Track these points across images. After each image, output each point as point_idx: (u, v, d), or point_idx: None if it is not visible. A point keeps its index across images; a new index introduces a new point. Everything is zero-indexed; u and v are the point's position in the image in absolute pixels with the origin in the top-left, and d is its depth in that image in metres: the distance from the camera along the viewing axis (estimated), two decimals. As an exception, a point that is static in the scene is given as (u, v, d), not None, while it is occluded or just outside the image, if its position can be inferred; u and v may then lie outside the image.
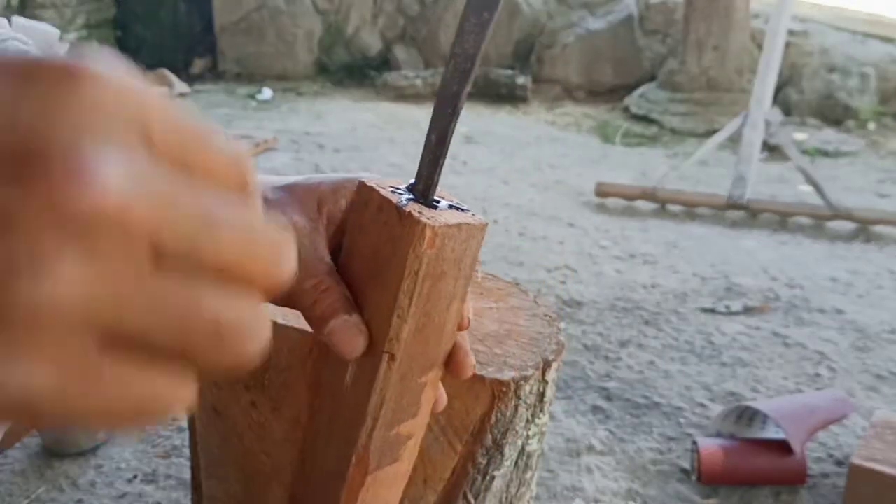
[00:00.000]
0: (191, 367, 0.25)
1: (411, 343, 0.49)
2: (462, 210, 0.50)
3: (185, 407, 0.25)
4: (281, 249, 0.26)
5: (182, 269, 0.24)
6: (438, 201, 0.49)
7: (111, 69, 0.24)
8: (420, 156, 0.49)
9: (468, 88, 0.45)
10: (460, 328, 0.52)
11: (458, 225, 0.48)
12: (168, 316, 0.23)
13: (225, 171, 0.25)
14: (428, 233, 0.46)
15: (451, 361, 0.53)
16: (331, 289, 0.48)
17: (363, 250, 0.49)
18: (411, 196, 0.48)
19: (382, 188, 0.48)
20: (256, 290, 0.25)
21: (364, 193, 0.49)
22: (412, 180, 0.50)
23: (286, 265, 0.26)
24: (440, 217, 0.47)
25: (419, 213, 0.47)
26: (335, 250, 0.52)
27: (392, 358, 0.48)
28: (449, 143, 0.47)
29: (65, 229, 0.22)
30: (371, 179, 0.50)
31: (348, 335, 0.48)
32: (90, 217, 0.22)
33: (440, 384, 0.55)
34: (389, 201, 0.47)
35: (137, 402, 0.24)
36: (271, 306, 0.95)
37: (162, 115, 0.24)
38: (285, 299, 0.50)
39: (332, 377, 0.52)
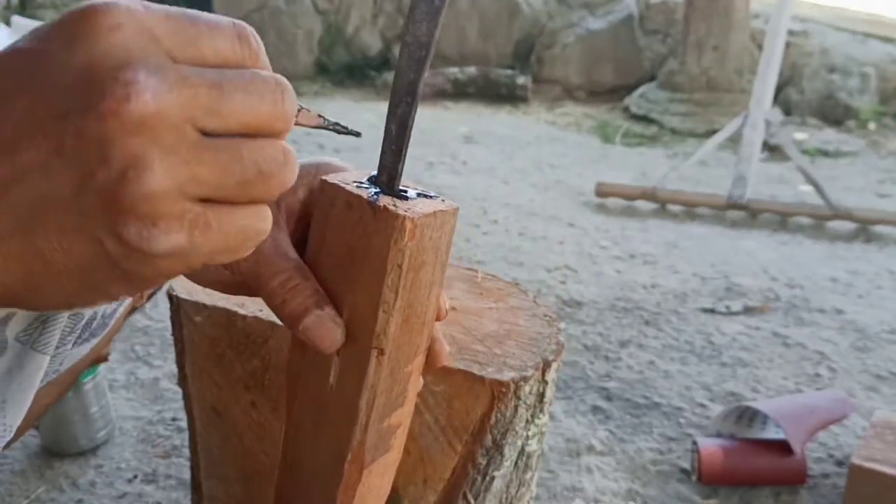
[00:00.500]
0: (260, 202, 0.35)
1: (398, 335, 0.49)
2: (431, 197, 0.49)
3: (269, 230, 0.36)
4: (280, 93, 0.35)
5: (220, 133, 0.33)
6: (405, 191, 0.49)
7: (119, 2, 0.32)
8: (381, 147, 0.48)
9: (425, 75, 0.45)
10: (438, 318, 0.52)
11: (434, 213, 0.48)
12: (224, 168, 0.33)
13: (229, 47, 0.34)
14: (408, 225, 0.46)
15: (428, 351, 0.54)
16: (299, 285, 0.48)
17: (333, 247, 0.48)
18: (377, 189, 0.48)
19: (347, 184, 0.48)
20: (273, 132, 0.35)
21: (329, 192, 0.48)
22: (373, 172, 0.50)
23: (288, 104, 0.35)
24: (415, 207, 0.47)
25: (394, 206, 0.46)
26: (298, 242, 0.52)
27: (381, 353, 0.48)
28: (410, 131, 0.47)
29: (137, 132, 0.30)
30: (330, 175, 0.50)
31: (324, 329, 0.48)
32: (148, 118, 0.30)
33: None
34: (359, 197, 0.47)
35: (240, 234, 0.34)
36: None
37: (171, 26, 0.32)
38: (257, 295, 0.50)
39: (314, 376, 0.52)
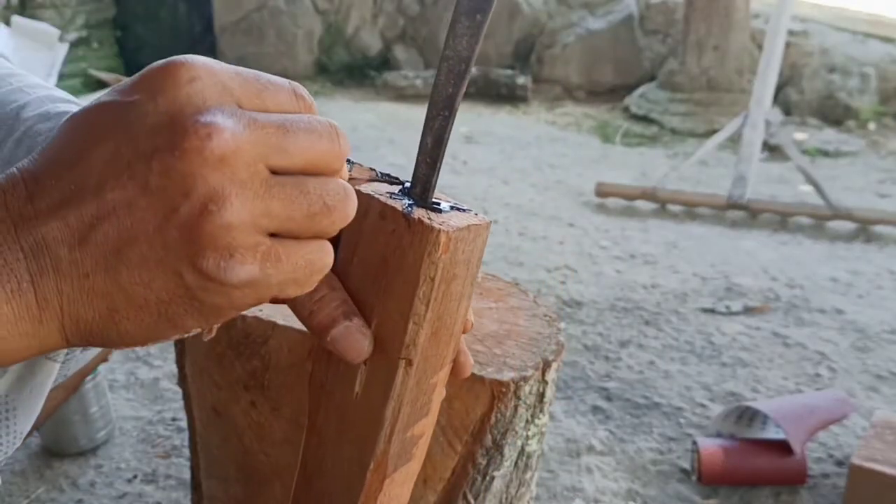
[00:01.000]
0: (322, 236, 0.38)
1: (426, 347, 0.49)
2: (463, 210, 0.49)
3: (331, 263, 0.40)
4: (335, 133, 0.38)
5: (287, 171, 0.36)
6: (439, 203, 0.49)
7: (199, 58, 0.36)
8: (416, 158, 0.48)
9: (463, 90, 0.45)
10: (464, 330, 0.53)
11: (468, 227, 0.48)
12: (293, 202, 0.36)
13: (287, 100, 0.38)
14: (443, 238, 0.46)
15: (454, 363, 0.54)
16: (327, 296, 0.48)
17: (365, 258, 0.48)
18: (411, 201, 0.48)
19: (380, 195, 0.48)
20: (332, 170, 0.38)
21: (362, 202, 0.48)
22: (407, 182, 0.50)
23: (343, 143, 0.39)
24: (450, 221, 0.47)
25: (429, 219, 0.46)
26: None
27: (409, 364, 0.48)
28: (446, 145, 0.47)
29: (217, 168, 0.33)
30: (362, 185, 0.50)
31: (352, 340, 0.47)
32: (227, 155, 0.33)
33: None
34: (394, 208, 0.47)
35: (307, 267, 0.38)
36: (270, 307, 0.95)
37: (240, 80, 0.37)
38: (284, 303, 0.50)
39: (339, 384, 0.52)
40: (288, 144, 0.36)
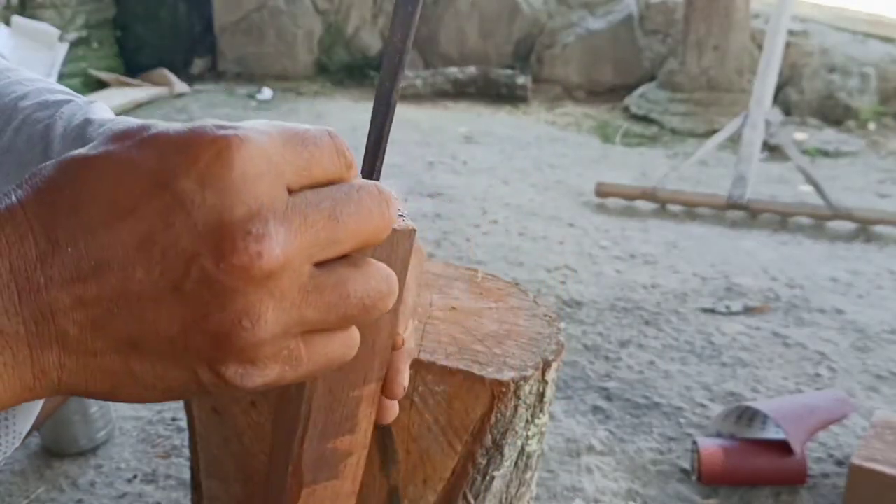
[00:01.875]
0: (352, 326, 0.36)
1: None
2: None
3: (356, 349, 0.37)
4: (385, 203, 0.35)
5: (330, 259, 0.33)
6: None
7: (251, 132, 0.32)
8: (364, 154, 0.47)
9: (399, 82, 0.44)
10: (394, 347, 0.50)
11: None
12: (330, 308, 0.33)
13: (332, 164, 0.34)
14: None
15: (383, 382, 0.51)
16: None
17: None
18: None
19: None
20: (379, 241, 0.36)
21: None
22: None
23: (392, 211, 0.36)
24: None
25: None
26: None
27: None
28: (386, 142, 0.46)
29: (261, 284, 0.31)
30: None
31: None
32: (273, 273, 0.31)
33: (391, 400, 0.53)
34: None
35: (325, 363, 0.35)
36: None
37: (289, 155, 0.33)
38: None
39: (287, 388, 0.52)
40: (338, 234, 0.33)
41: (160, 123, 0.33)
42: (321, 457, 0.51)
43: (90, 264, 0.31)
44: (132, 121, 0.64)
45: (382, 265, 0.36)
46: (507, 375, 0.81)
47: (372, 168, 0.47)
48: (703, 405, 1.80)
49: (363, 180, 0.36)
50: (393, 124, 0.46)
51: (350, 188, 0.35)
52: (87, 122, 0.62)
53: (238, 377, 0.32)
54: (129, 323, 0.31)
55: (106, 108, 0.65)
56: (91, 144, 0.33)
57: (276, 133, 0.33)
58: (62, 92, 0.66)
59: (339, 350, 0.36)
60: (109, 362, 0.32)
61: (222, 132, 0.31)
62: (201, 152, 0.31)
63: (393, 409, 0.52)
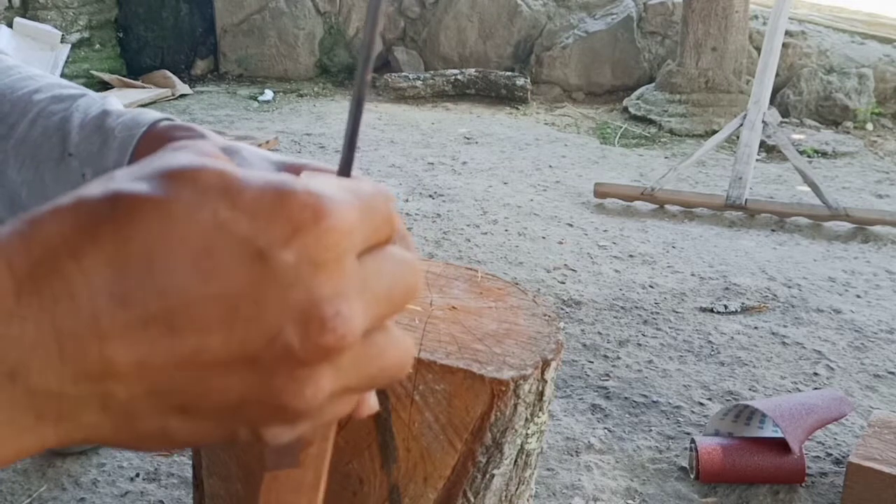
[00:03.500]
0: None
1: None
2: None
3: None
4: (420, 275, 0.35)
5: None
6: None
7: (339, 200, 0.31)
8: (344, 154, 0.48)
9: (368, 78, 0.45)
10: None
11: None
12: (365, 378, 0.33)
13: (387, 230, 0.34)
14: None
15: None
16: None
17: None
18: None
19: None
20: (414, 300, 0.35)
21: None
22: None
23: (422, 284, 0.35)
24: None
25: None
26: None
27: None
28: (356, 141, 0.46)
29: (331, 364, 0.30)
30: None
31: None
32: (344, 351, 0.30)
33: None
34: None
35: (334, 417, 0.35)
36: None
37: (364, 224, 0.32)
38: None
39: None
40: (390, 312, 0.33)
41: (204, 142, 0.32)
42: (283, 443, 0.52)
43: (160, 327, 0.28)
44: (153, 114, 0.65)
45: (405, 335, 0.36)
46: (507, 374, 0.82)
47: (346, 171, 0.48)
48: (701, 404, 1.80)
49: (398, 249, 0.35)
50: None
51: (399, 260, 0.34)
52: (105, 113, 0.62)
53: (275, 436, 0.32)
54: (188, 390, 0.29)
55: (119, 103, 0.66)
56: (135, 172, 0.30)
57: (356, 202, 0.32)
58: (74, 87, 0.67)
59: (349, 408, 0.35)
60: (147, 424, 0.30)
61: (315, 199, 0.29)
62: (299, 223, 0.29)
63: (367, 403, 0.53)
